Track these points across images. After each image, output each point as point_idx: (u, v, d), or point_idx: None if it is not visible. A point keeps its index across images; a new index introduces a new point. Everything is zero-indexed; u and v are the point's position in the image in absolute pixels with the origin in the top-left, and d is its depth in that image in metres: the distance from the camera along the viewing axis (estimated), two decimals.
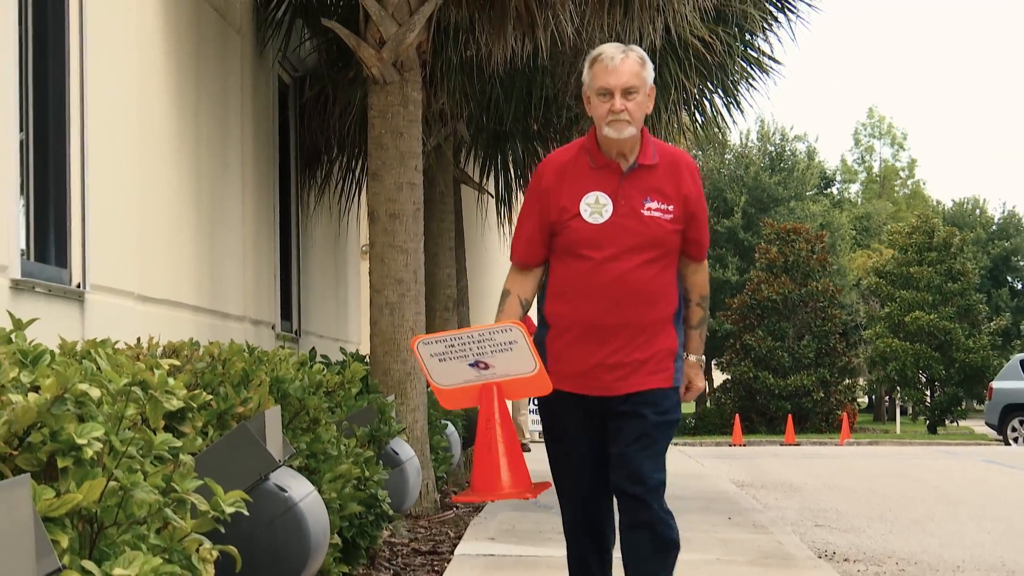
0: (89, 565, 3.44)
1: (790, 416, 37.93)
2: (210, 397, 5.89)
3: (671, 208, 5.87)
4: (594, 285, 5.82)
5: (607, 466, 5.97)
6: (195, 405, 5.34)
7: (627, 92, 5.78)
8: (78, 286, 7.96)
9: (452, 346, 5.66)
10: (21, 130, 7.47)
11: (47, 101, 7.88)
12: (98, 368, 4.15)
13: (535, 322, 6.02)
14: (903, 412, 51.07)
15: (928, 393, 48.04)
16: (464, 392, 5.75)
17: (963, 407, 49.13)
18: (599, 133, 5.88)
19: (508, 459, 5.70)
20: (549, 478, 6.10)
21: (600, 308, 5.82)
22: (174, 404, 4.30)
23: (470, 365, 5.67)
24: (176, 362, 5.87)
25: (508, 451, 5.70)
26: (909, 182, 77.07)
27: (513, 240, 6.12)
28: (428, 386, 5.95)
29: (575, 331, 5.87)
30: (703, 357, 6.18)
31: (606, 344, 5.84)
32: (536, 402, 6.24)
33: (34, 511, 2.92)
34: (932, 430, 45.85)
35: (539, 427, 15.82)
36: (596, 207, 5.83)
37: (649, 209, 5.84)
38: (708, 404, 48.43)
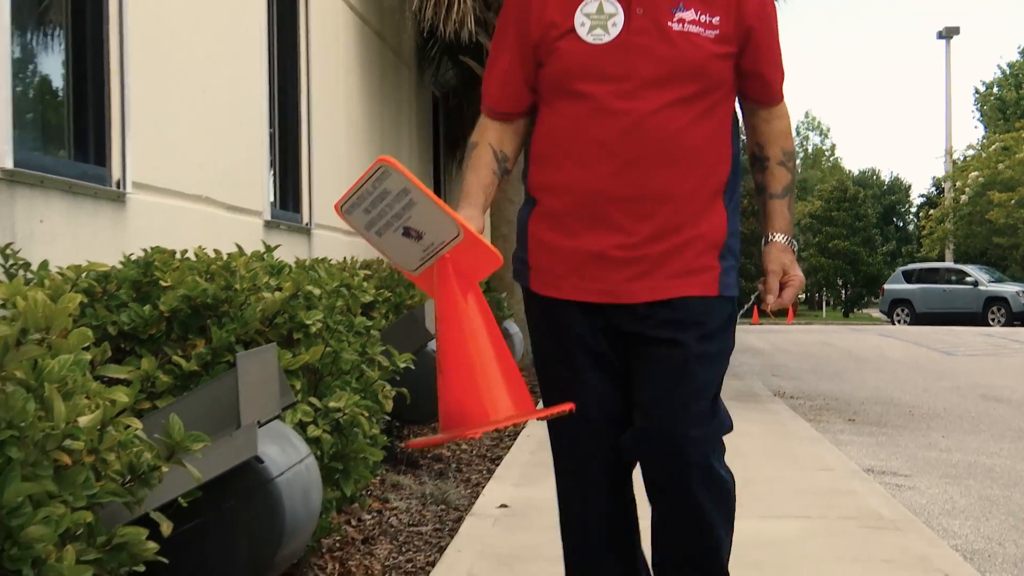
0: (313, 400, 3.42)
1: (755, 306, 37.64)
2: (390, 294, 5.86)
3: (715, 20, 2.43)
4: (596, 136, 2.40)
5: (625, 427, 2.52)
6: (380, 299, 5.31)
7: None
8: (306, 224, 7.94)
9: (368, 211, 2.28)
10: (271, 127, 7.44)
11: (287, 109, 7.84)
12: (319, 276, 4.12)
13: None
14: (827, 304, 50.44)
15: (843, 292, 47.50)
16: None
17: (865, 301, 48.45)
18: None
19: (496, 372, 2.28)
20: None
21: (605, 171, 2.41)
22: (367, 298, 4.26)
23: (404, 235, 2.29)
24: (368, 272, 5.84)
25: (495, 359, 2.29)
26: (831, 158, 75.67)
27: (483, 83, 2.63)
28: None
29: (568, 207, 2.47)
30: (795, 240, 2.72)
31: (614, 226, 2.43)
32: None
33: (279, 366, 2.90)
34: (845, 315, 45.27)
35: None
36: (599, 19, 2.40)
37: (681, 21, 2.40)
38: None
